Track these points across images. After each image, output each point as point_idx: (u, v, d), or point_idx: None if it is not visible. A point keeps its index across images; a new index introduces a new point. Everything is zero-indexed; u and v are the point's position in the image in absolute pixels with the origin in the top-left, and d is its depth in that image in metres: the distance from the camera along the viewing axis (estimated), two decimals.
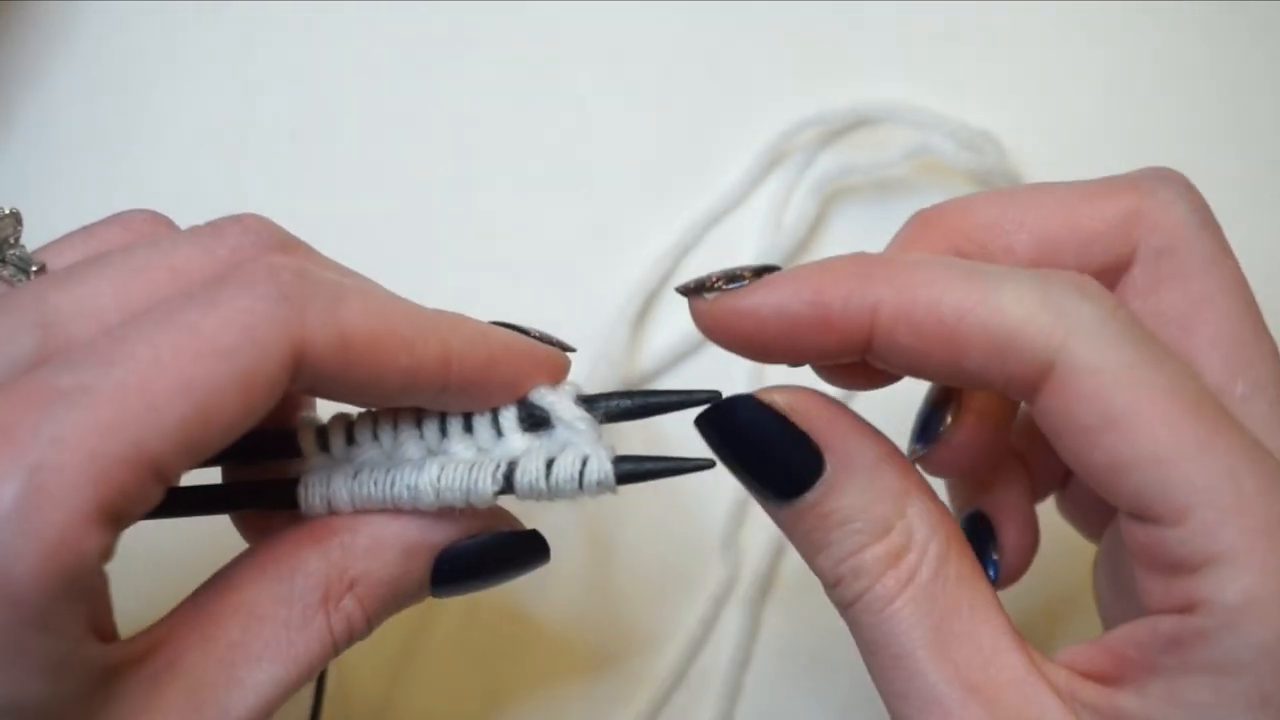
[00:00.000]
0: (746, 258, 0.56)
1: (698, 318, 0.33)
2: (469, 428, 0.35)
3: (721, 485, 0.53)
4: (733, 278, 0.33)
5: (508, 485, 0.34)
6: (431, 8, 0.60)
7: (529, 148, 0.58)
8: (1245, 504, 0.28)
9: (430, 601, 0.36)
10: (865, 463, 0.33)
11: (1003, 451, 0.39)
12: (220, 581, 0.33)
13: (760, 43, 0.59)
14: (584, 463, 0.34)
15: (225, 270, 0.30)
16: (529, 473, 0.34)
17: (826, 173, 0.56)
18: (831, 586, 0.33)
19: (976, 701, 0.31)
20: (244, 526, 0.37)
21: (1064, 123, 0.58)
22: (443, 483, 0.34)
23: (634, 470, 0.34)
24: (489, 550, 0.35)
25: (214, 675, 0.31)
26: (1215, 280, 0.33)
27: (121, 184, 0.57)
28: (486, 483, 0.34)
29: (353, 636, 0.34)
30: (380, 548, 0.34)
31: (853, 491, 0.32)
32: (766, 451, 0.33)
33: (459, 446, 0.35)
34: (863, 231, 0.56)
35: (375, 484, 0.34)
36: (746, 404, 0.33)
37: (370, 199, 0.57)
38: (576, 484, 0.34)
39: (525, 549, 0.36)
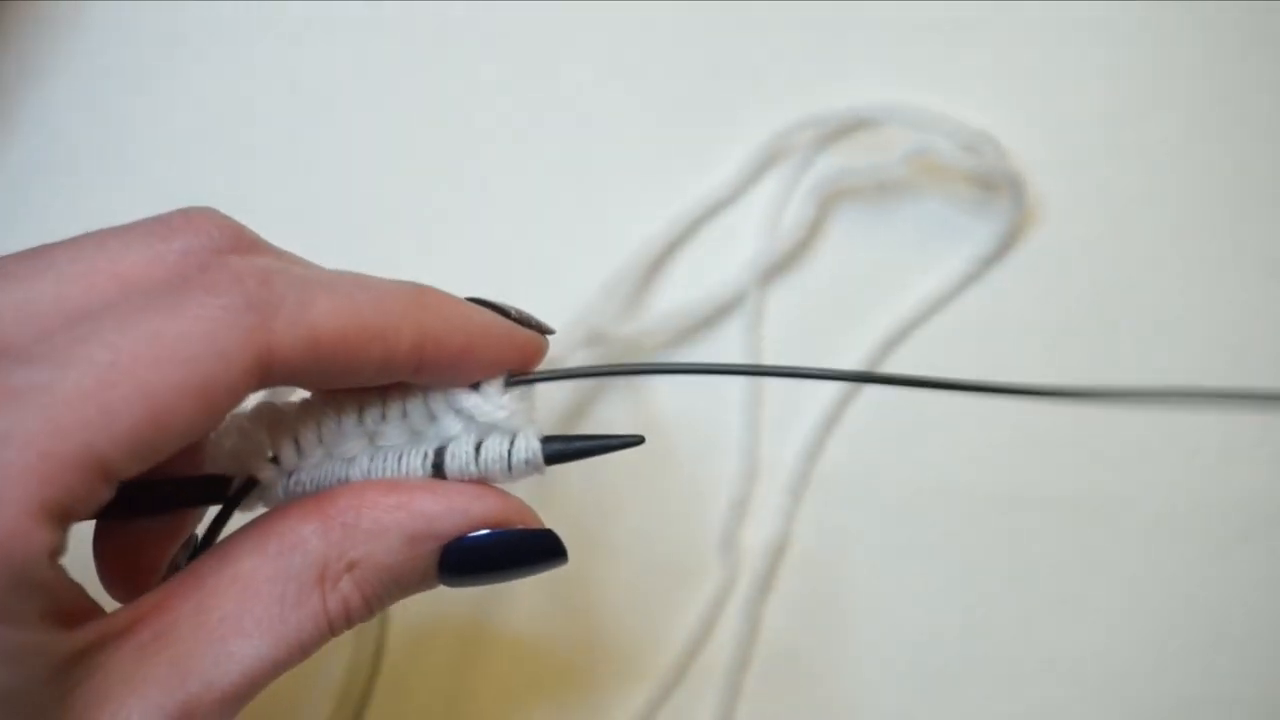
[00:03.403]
0: (743, 259, 0.56)
1: None
2: (405, 412, 0.35)
3: (720, 483, 0.53)
4: None
5: (438, 471, 0.34)
6: (427, 3, 0.60)
7: (524, 143, 0.58)
8: None
9: (430, 599, 0.36)
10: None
11: None
12: (219, 552, 0.32)
13: (758, 42, 0.59)
14: (511, 443, 0.34)
15: (176, 275, 0.30)
16: (458, 457, 0.34)
17: (825, 174, 0.55)
18: None
19: None
20: (104, 566, 0.35)
21: (1064, 123, 0.58)
22: (373, 475, 0.34)
23: (562, 450, 0.34)
24: (498, 547, 0.34)
25: (203, 647, 0.31)
26: None
27: (122, 184, 0.57)
28: (416, 471, 0.34)
29: (351, 619, 0.33)
30: (382, 533, 0.33)
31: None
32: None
33: (394, 430, 0.34)
34: (862, 233, 0.56)
35: (311, 480, 0.34)
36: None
37: (366, 193, 0.57)
38: (506, 465, 0.34)
39: (537, 549, 0.35)
